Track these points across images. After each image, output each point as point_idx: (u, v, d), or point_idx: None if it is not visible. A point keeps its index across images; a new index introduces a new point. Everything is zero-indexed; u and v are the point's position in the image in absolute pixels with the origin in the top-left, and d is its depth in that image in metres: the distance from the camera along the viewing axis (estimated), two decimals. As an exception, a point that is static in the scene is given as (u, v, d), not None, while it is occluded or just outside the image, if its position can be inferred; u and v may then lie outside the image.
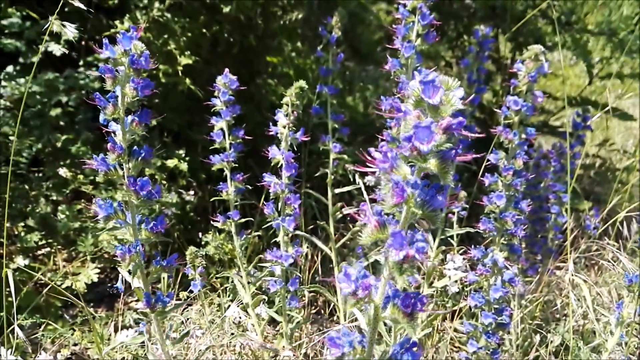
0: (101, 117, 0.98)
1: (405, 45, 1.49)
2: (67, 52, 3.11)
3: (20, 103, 3.19)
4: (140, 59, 0.94)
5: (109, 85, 0.96)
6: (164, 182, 3.37)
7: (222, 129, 1.81)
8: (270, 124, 1.65)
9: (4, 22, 3.19)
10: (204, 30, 2.66)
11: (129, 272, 1.02)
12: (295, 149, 1.59)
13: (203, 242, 2.97)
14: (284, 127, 1.57)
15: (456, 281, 2.30)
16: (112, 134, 1.00)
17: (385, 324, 1.64)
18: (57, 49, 3.25)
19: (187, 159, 3.43)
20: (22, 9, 3.26)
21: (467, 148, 2.04)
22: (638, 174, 4.26)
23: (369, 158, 0.64)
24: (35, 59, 3.31)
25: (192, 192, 2.90)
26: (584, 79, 7.27)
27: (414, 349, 0.73)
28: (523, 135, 1.58)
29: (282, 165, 1.59)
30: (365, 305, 0.73)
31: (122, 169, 1.01)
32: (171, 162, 3.38)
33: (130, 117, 0.98)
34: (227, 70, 1.76)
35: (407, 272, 0.63)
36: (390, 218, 0.68)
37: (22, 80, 3.18)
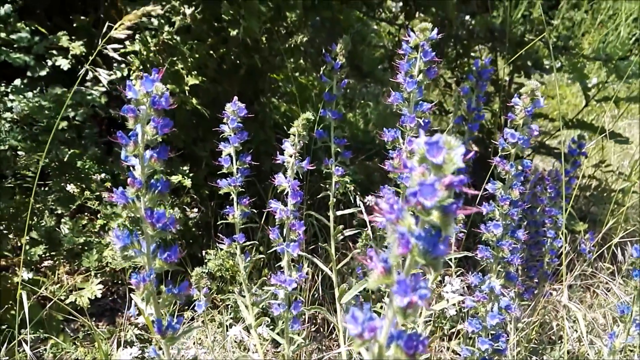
0: (122, 154, 1.04)
1: (407, 80, 1.56)
2: (72, 66, 3.17)
3: (28, 118, 3.25)
4: (161, 99, 1.00)
5: (131, 124, 1.02)
6: (168, 197, 3.43)
7: (230, 155, 1.87)
8: (277, 152, 1.70)
9: (13, 36, 3.26)
10: (211, 52, 2.73)
11: (142, 299, 1.07)
12: (301, 177, 1.64)
13: (205, 259, 3.02)
14: (291, 156, 1.63)
15: (454, 304, 2.35)
16: (132, 168, 1.06)
17: None
18: (64, 64, 3.31)
19: (191, 175, 3.49)
20: (31, 24, 3.32)
21: (466, 172, 2.09)
22: (633, 196, 4.33)
23: (377, 208, 0.70)
24: (42, 73, 3.39)
25: (195, 210, 2.95)
26: (580, 98, 7.37)
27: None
28: (519, 167, 1.64)
29: (287, 192, 1.65)
30: (370, 344, 0.78)
31: (140, 200, 1.06)
32: (175, 178, 3.43)
33: (149, 153, 1.04)
34: (235, 98, 1.82)
35: (410, 316, 0.68)
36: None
37: (30, 95, 3.24)
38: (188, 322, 2.64)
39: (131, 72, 2.56)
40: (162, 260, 1.09)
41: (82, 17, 3.15)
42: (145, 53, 2.36)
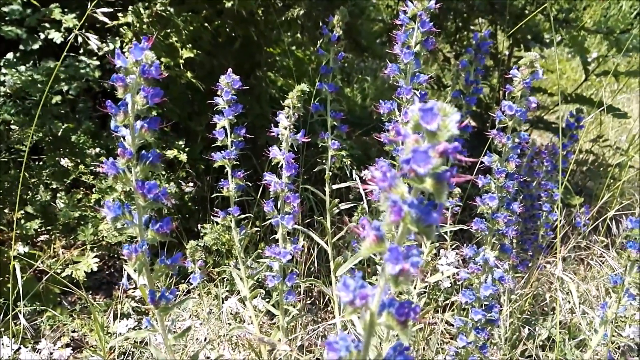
0: (112, 124, 1.02)
1: (404, 51, 1.53)
2: (66, 40, 3.12)
3: (21, 92, 3.21)
4: (151, 68, 0.98)
5: (120, 93, 0.99)
6: (163, 172, 3.41)
7: (224, 127, 1.85)
8: (272, 125, 1.69)
9: (5, 9, 3.19)
10: (206, 24, 2.67)
11: (135, 270, 1.06)
12: (295, 149, 1.63)
13: (201, 233, 3.02)
14: (285, 128, 1.61)
15: (448, 276, 2.37)
16: (122, 139, 1.04)
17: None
18: (57, 37, 3.25)
19: (186, 149, 3.47)
20: None
21: (463, 146, 2.09)
22: (630, 171, 4.33)
23: (370, 177, 0.69)
24: (35, 47, 3.33)
25: (191, 184, 2.94)
26: (580, 73, 7.31)
27: (406, 352, 0.79)
28: (516, 140, 1.62)
29: (282, 165, 1.64)
30: (362, 311, 0.78)
31: (131, 172, 1.04)
32: (171, 153, 3.41)
33: (139, 123, 1.02)
34: (230, 70, 1.79)
35: (402, 284, 0.68)
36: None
37: (22, 68, 3.19)
38: (184, 295, 2.66)
39: (124, 44, 2.51)
40: (154, 231, 1.08)
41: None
42: (138, 25, 2.31)
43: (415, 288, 2.16)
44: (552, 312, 2.67)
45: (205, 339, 1.76)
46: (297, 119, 1.60)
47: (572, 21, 3.85)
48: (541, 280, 2.82)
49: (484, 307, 1.77)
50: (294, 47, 4.56)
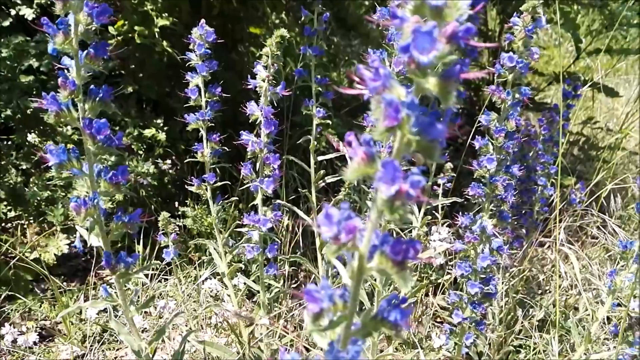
0: (50, 47, 0.86)
1: (395, -7, 1.39)
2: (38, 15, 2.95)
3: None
4: (95, -22, 0.82)
5: (58, 9, 0.83)
6: (141, 152, 3.25)
7: (197, 86, 1.69)
8: (249, 77, 1.53)
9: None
10: (182, -11, 2.50)
11: (85, 227, 0.91)
12: (276, 107, 1.47)
13: (180, 213, 2.86)
14: (264, 80, 1.45)
15: (440, 253, 2.24)
16: (65, 71, 0.88)
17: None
18: (29, 13, 3.08)
19: (165, 128, 3.30)
20: None
21: (452, 122, 1.96)
22: (621, 153, 4.25)
23: (357, 78, 0.53)
24: (5, 23, 3.15)
25: (168, 162, 2.78)
26: (569, 59, 7.23)
27: (403, 305, 0.64)
28: (517, 95, 1.49)
29: (260, 122, 1.48)
30: (347, 256, 0.63)
31: (77, 110, 0.89)
32: (149, 132, 3.24)
33: (85, 52, 0.86)
34: (203, 20, 1.63)
35: (399, 211, 0.53)
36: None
37: None
38: (162, 280, 2.50)
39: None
40: (107, 181, 0.92)
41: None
42: (106, -16, 2.13)
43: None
44: (547, 292, 2.57)
45: (175, 314, 1.62)
46: (275, 70, 1.45)
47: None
48: (534, 260, 2.71)
49: (480, 280, 1.64)
50: (278, 23, 4.38)
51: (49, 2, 2.86)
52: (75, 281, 3.11)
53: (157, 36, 2.54)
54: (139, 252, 2.82)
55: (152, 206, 3.16)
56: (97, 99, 0.89)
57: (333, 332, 0.66)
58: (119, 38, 2.98)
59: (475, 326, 1.70)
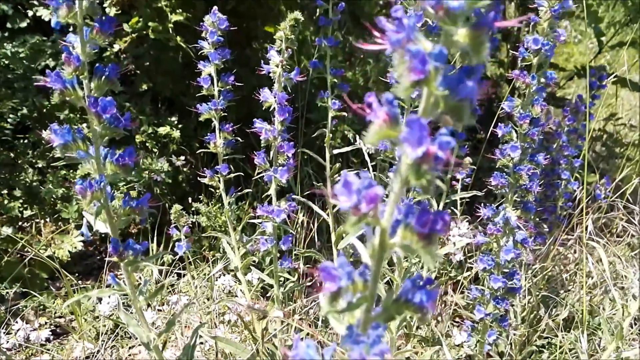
0: (53, 20, 0.82)
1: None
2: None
3: (1, 66, 3.03)
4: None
5: (61, -20, 0.80)
6: (155, 149, 3.23)
7: (210, 75, 1.65)
8: (262, 62, 1.49)
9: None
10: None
11: (91, 213, 0.87)
12: (290, 98, 1.42)
13: (194, 210, 2.83)
14: (277, 65, 1.41)
15: (460, 249, 2.17)
16: (71, 48, 0.84)
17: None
18: (46, 14, 3.10)
19: (179, 126, 3.29)
20: None
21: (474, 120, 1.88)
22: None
23: (377, 32, 0.48)
24: (23, 24, 3.17)
25: (182, 158, 2.75)
26: (590, 55, 7.07)
27: (429, 286, 0.59)
28: (542, 80, 1.42)
29: (274, 108, 1.44)
30: (368, 232, 0.58)
31: (82, 88, 0.85)
32: (163, 130, 3.23)
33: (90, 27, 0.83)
34: (215, 7, 1.59)
35: (426, 176, 0.48)
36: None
37: (9, 46, 3.04)
38: (176, 275, 2.47)
39: (108, 2, 2.31)
40: (114, 163, 0.88)
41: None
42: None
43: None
44: (571, 291, 2.47)
45: (185, 305, 1.57)
46: (294, 91, 1.40)
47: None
48: (556, 259, 2.62)
49: (504, 274, 1.57)
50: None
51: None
52: (90, 279, 3.11)
53: (171, 32, 2.52)
54: (152, 249, 2.80)
55: (166, 204, 3.15)
56: (103, 77, 0.85)
57: (352, 316, 0.60)
58: (133, 35, 2.97)
59: (498, 322, 1.63)
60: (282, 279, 1.59)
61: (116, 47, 2.95)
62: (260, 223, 1.50)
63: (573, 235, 2.77)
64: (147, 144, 3.23)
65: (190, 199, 3.17)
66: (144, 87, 3.33)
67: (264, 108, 1.45)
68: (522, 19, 0.63)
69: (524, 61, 1.41)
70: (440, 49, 0.45)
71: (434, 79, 0.47)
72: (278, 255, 1.54)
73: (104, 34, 0.83)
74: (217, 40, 1.60)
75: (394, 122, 0.51)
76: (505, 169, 1.51)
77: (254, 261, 1.64)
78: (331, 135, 1.97)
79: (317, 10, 2.05)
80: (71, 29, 0.85)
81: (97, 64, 0.85)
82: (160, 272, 2.18)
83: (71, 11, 0.79)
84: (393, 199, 0.53)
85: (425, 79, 0.47)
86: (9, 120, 3.08)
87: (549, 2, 1.34)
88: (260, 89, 1.44)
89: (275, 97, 1.41)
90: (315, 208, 2.05)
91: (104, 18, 0.82)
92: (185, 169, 3.27)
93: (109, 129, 0.85)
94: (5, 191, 3.02)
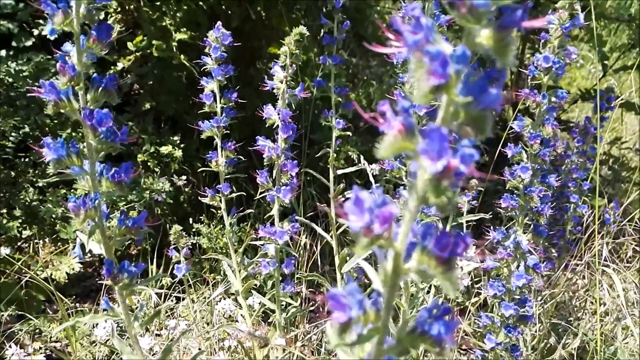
0: (47, 28, 0.79)
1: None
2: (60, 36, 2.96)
3: (4, 83, 3.03)
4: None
5: (58, -14, 0.77)
6: (157, 169, 3.20)
7: (212, 91, 1.61)
8: (266, 78, 1.45)
9: (-3, 2, 3.06)
10: (201, 3, 2.47)
11: (84, 232, 0.82)
12: (294, 116, 1.38)
13: (195, 230, 2.78)
14: (281, 81, 1.37)
15: (467, 274, 2.10)
16: (66, 57, 0.81)
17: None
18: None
19: (182, 145, 3.26)
20: None
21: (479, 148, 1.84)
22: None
23: (391, 33, 0.43)
24: (28, 43, 3.18)
25: (184, 178, 2.71)
26: (592, 80, 7.08)
27: (446, 316, 0.53)
28: (553, 99, 1.38)
29: (278, 126, 1.40)
30: (379, 256, 0.52)
31: (78, 99, 0.81)
32: (165, 149, 3.20)
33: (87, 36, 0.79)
34: (219, 23, 1.57)
35: (446, 193, 0.43)
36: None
37: (13, 65, 3.04)
38: (175, 299, 2.40)
39: (109, 16, 2.30)
40: (109, 179, 0.84)
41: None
42: (124, -4, 2.11)
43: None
44: (581, 318, 2.39)
45: (183, 333, 1.51)
46: (297, 111, 1.36)
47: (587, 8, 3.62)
48: (568, 282, 2.55)
49: (515, 301, 1.50)
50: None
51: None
52: (88, 302, 3.04)
53: (174, 50, 2.51)
54: (151, 271, 2.73)
55: (167, 224, 3.10)
56: (100, 88, 0.81)
57: (362, 349, 0.55)
58: (137, 54, 2.96)
59: (510, 352, 1.55)
60: (284, 303, 1.52)
61: (120, 66, 2.95)
62: (262, 245, 1.44)
63: (582, 260, 2.70)
64: (148, 163, 3.20)
65: (191, 220, 3.12)
66: (147, 105, 3.32)
67: (267, 126, 1.41)
68: (544, 20, 0.58)
69: (534, 80, 1.37)
70: (463, 50, 0.41)
71: (455, 84, 0.43)
72: (280, 278, 1.48)
73: (101, 42, 0.80)
74: (221, 56, 1.57)
75: (410, 132, 0.46)
76: (516, 191, 1.46)
77: (256, 285, 1.58)
78: (335, 155, 1.93)
79: (322, 30, 2.04)
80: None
81: (94, 75, 0.81)
82: (159, 295, 2.11)
83: (67, 18, 0.76)
84: (408, 219, 0.48)
85: (446, 84, 0.42)
86: (10, 138, 3.06)
87: (559, 18, 1.31)
88: (264, 106, 1.40)
89: (279, 114, 1.37)
90: (319, 230, 1.99)
91: (101, 25, 0.79)
92: (186, 189, 3.23)
93: (104, 144, 0.81)
94: (4, 210, 2.98)
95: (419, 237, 0.49)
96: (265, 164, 1.42)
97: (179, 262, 1.62)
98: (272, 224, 1.44)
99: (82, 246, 0.89)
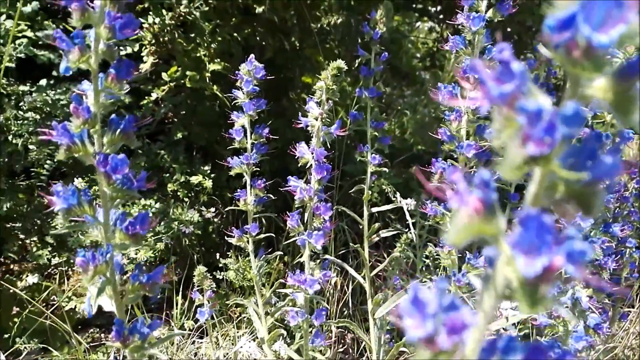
0: (62, 65, 0.72)
1: (472, 16, 1.19)
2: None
3: (41, 111, 3.07)
4: (120, -16, 0.68)
5: (75, 20, 0.70)
6: (186, 199, 3.16)
7: (243, 126, 1.54)
8: (300, 114, 1.37)
9: (39, 33, 3.13)
10: (235, 34, 2.44)
11: (94, 286, 0.74)
12: (329, 147, 1.29)
13: (222, 266, 2.69)
14: (316, 118, 1.28)
15: (514, 324, 1.92)
16: (83, 97, 0.74)
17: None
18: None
19: (212, 175, 3.22)
20: (59, 22, 3.20)
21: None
22: None
23: (466, 82, 0.32)
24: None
25: (212, 210, 2.64)
26: None
27: None
28: (617, 140, 1.24)
29: (311, 165, 1.30)
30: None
31: (93, 143, 0.74)
32: (195, 179, 3.17)
33: (106, 73, 0.72)
34: (252, 55, 1.50)
35: (544, 302, 0.31)
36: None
37: (51, 93, 3.09)
38: (197, 338, 2.30)
39: (143, 48, 2.29)
40: (123, 231, 0.75)
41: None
42: (159, 27, 2.09)
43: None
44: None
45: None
46: (330, 107, 1.27)
47: None
48: (616, 337, 2.33)
49: (573, 364, 1.33)
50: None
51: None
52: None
53: (207, 81, 2.48)
54: (177, 302, 2.65)
55: (195, 256, 3.03)
56: (118, 130, 0.74)
57: None
58: (171, 84, 2.96)
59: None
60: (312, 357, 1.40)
61: (154, 96, 2.94)
62: (291, 293, 1.33)
63: (635, 308, 2.48)
64: (178, 193, 3.17)
65: (219, 252, 3.04)
66: (179, 135, 3.31)
67: (299, 166, 1.32)
68: None
69: (595, 118, 1.23)
70: (576, 109, 0.30)
71: (558, 152, 0.31)
72: (310, 329, 1.36)
73: (120, 81, 0.72)
74: (253, 90, 1.50)
75: (490, 213, 0.35)
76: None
77: (282, 334, 1.47)
78: (369, 192, 1.82)
79: (357, 60, 1.96)
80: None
81: (113, 115, 0.73)
82: (182, 335, 2.01)
83: (84, 55, 0.69)
84: (483, 323, 0.36)
85: (545, 157, 0.31)
86: (45, 166, 3.08)
87: (624, 53, 1.18)
88: (297, 143, 1.31)
89: (312, 153, 1.28)
90: (351, 271, 1.87)
91: (121, 63, 0.71)
92: (216, 219, 3.17)
93: (120, 191, 0.73)
94: (35, 238, 2.98)
95: (499, 348, 0.37)
96: (296, 205, 1.32)
97: (201, 305, 1.53)
98: (302, 270, 1.33)
99: (93, 300, 0.80)
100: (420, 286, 0.36)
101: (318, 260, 1.46)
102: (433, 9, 4.37)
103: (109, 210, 0.75)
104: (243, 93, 1.50)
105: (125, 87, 0.74)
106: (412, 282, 0.37)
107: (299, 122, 1.35)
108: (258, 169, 1.58)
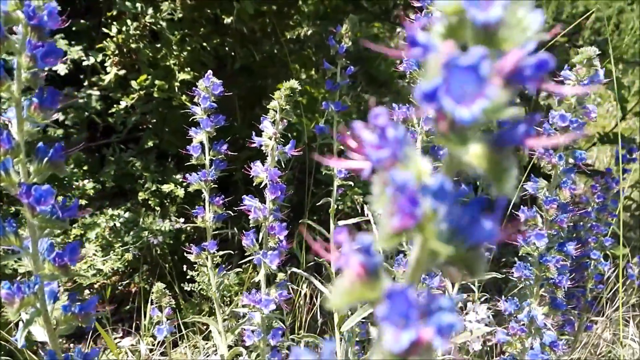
0: (-17, 95, 0.69)
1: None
2: (68, 71, 2.93)
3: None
4: (43, 13, 0.65)
5: (-1, 50, 0.67)
6: (157, 208, 3.12)
7: (201, 142, 1.52)
8: (254, 134, 1.35)
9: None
10: (204, 44, 2.42)
11: (25, 322, 0.71)
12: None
13: (189, 276, 2.66)
14: (270, 138, 1.27)
15: (479, 337, 1.93)
16: (8, 124, 0.71)
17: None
18: (62, 69, 3.10)
19: (184, 184, 3.18)
20: None
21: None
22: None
23: (351, 142, 0.32)
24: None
25: (182, 220, 2.61)
26: (610, 119, 6.91)
27: None
28: (570, 160, 1.26)
29: (265, 185, 1.28)
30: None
31: (18, 172, 0.71)
32: (167, 187, 3.12)
33: (29, 101, 0.69)
34: (210, 72, 1.48)
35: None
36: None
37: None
38: (162, 347, 2.26)
39: (106, 57, 2.25)
40: (51, 262, 0.73)
41: (82, 21, 2.87)
42: (123, 37, 2.05)
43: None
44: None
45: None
46: (284, 126, 1.26)
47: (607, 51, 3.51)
48: (586, 345, 2.36)
49: (530, 380, 1.34)
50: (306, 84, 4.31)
51: (82, 57, 2.81)
52: (82, 342, 2.91)
53: (176, 90, 2.45)
54: (146, 312, 2.61)
55: (167, 265, 2.99)
56: (45, 159, 0.71)
57: None
58: (141, 92, 2.92)
59: None
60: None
61: (123, 104, 2.90)
62: (247, 312, 1.32)
63: (602, 318, 2.51)
64: (149, 202, 3.12)
65: (189, 264, 3.00)
66: (150, 143, 3.26)
67: (254, 184, 1.30)
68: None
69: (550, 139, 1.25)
70: (442, 183, 0.29)
71: (432, 222, 0.30)
72: (267, 349, 1.34)
73: (43, 110, 0.70)
74: (210, 106, 1.48)
75: (373, 278, 0.34)
76: (530, 258, 1.32)
77: (240, 353, 1.44)
78: (336, 206, 1.81)
79: (330, 71, 1.96)
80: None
81: (39, 144, 0.71)
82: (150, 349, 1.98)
83: (3, 84, 0.66)
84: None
85: (418, 226, 0.30)
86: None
87: (576, 74, 1.20)
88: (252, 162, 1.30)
89: (267, 173, 1.26)
90: (317, 284, 1.86)
91: (44, 92, 0.69)
92: (188, 228, 3.13)
93: (48, 222, 0.70)
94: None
95: None
96: (251, 225, 1.31)
97: (160, 322, 1.50)
98: (259, 289, 1.31)
99: (28, 332, 0.77)
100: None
101: (282, 275, 1.44)
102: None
103: (37, 241, 0.73)
104: (201, 109, 1.48)
105: (52, 115, 0.71)
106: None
107: (253, 141, 1.34)
108: (216, 185, 1.56)
